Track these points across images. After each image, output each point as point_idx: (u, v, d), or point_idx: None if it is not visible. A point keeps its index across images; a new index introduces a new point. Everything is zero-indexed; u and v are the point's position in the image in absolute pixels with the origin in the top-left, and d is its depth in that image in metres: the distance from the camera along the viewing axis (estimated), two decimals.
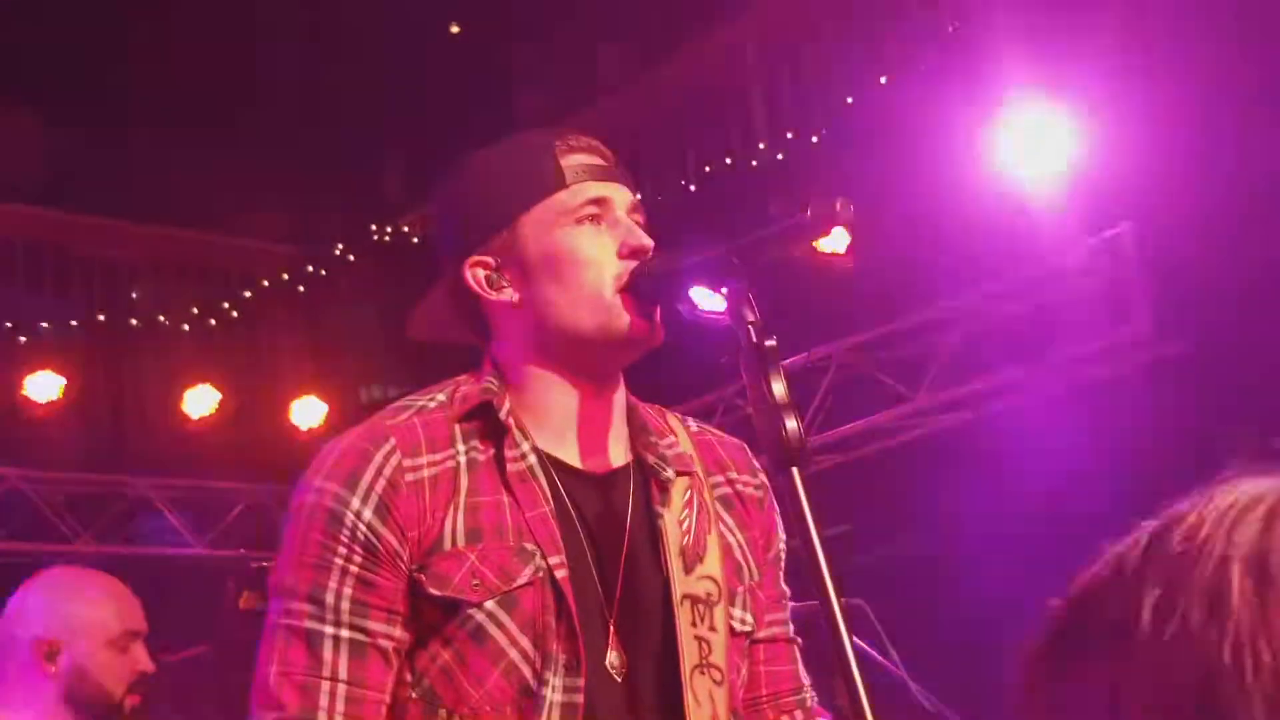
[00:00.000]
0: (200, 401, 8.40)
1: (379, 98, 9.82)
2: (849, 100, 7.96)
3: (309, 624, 1.88)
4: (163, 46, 9.50)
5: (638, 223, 2.02)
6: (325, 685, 1.86)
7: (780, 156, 8.25)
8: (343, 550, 1.88)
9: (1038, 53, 6.63)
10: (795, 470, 1.75)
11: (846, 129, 7.95)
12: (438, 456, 1.94)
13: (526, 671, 1.89)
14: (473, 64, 9.77)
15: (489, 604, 1.88)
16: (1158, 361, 6.31)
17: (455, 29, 11.35)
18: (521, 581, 1.90)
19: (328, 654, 1.87)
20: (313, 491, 1.92)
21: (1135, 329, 6.31)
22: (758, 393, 1.79)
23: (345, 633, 1.88)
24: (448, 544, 1.90)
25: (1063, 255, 6.53)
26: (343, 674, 1.87)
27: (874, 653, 4.58)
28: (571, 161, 2.01)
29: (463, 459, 1.95)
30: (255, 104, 9.64)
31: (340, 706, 1.87)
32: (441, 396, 2.01)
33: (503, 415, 1.97)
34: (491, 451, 1.97)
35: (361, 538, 1.88)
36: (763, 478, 2.18)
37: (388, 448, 1.92)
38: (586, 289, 1.96)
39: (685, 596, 1.99)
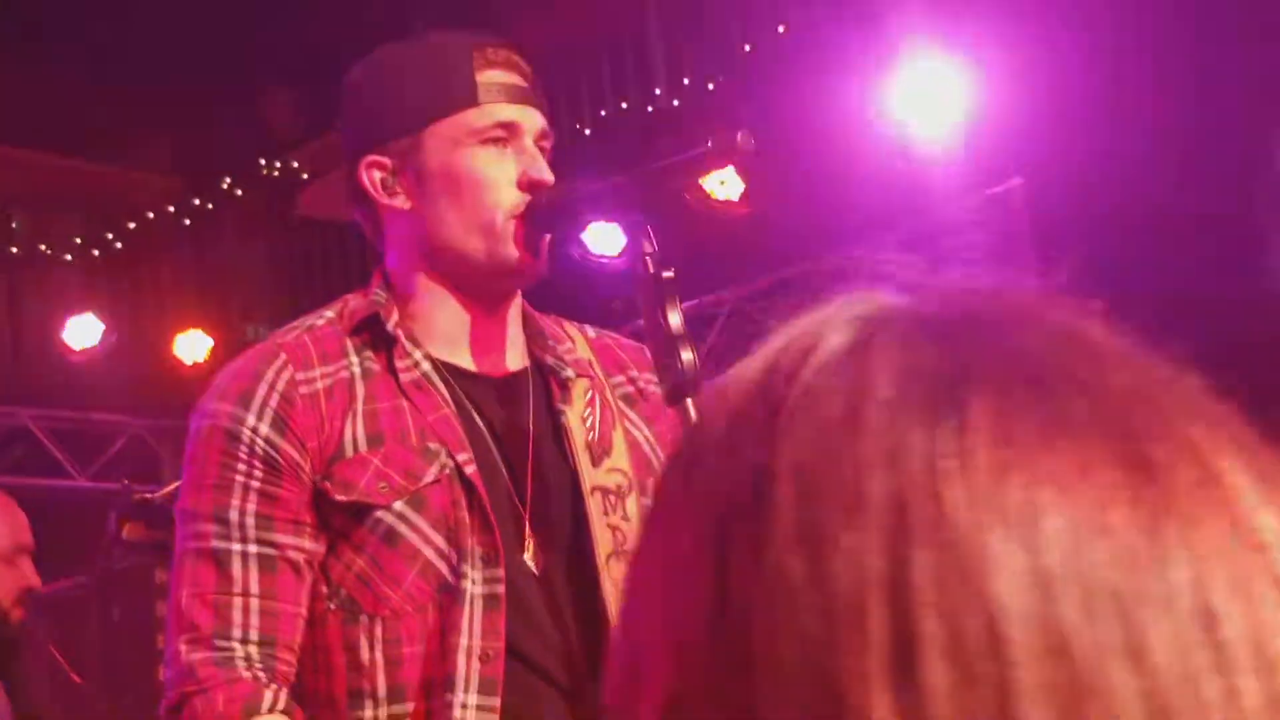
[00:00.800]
0: (83, 332, 8.25)
1: (270, 29, 9.67)
2: (746, 48, 7.98)
3: (216, 544, 1.88)
4: None
5: (544, 149, 2.02)
6: (238, 601, 1.87)
7: (676, 103, 8.26)
8: (242, 467, 1.89)
9: (934, 4, 6.69)
10: (690, 401, 1.77)
11: (743, 77, 7.97)
12: (330, 368, 1.95)
13: (443, 567, 1.90)
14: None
15: (397, 505, 1.89)
16: None
17: None
18: (428, 480, 1.92)
19: (237, 571, 1.88)
20: (208, 415, 1.92)
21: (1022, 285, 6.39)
22: (653, 323, 1.82)
23: (253, 548, 1.89)
24: (349, 451, 1.91)
25: (953, 208, 6.61)
26: (254, 589, 1.88)
27: None
28: (488, 78, 1.99)
29: (356, 369, 1.97)
30: (144, 28, 9.45)
31: (255, 621, 1.88)
32: (330, 313, 2.03)
33: (390, 326, 1.98)
34: (384, 362, 1.98)
35: (260, 452, 1.89)
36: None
37: (279, 363, 1.93)
38: (479, 212, 1.96)
39: (595, 488, 2.01)
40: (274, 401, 1.91)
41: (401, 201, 2.00)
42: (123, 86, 9.00)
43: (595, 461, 2.03)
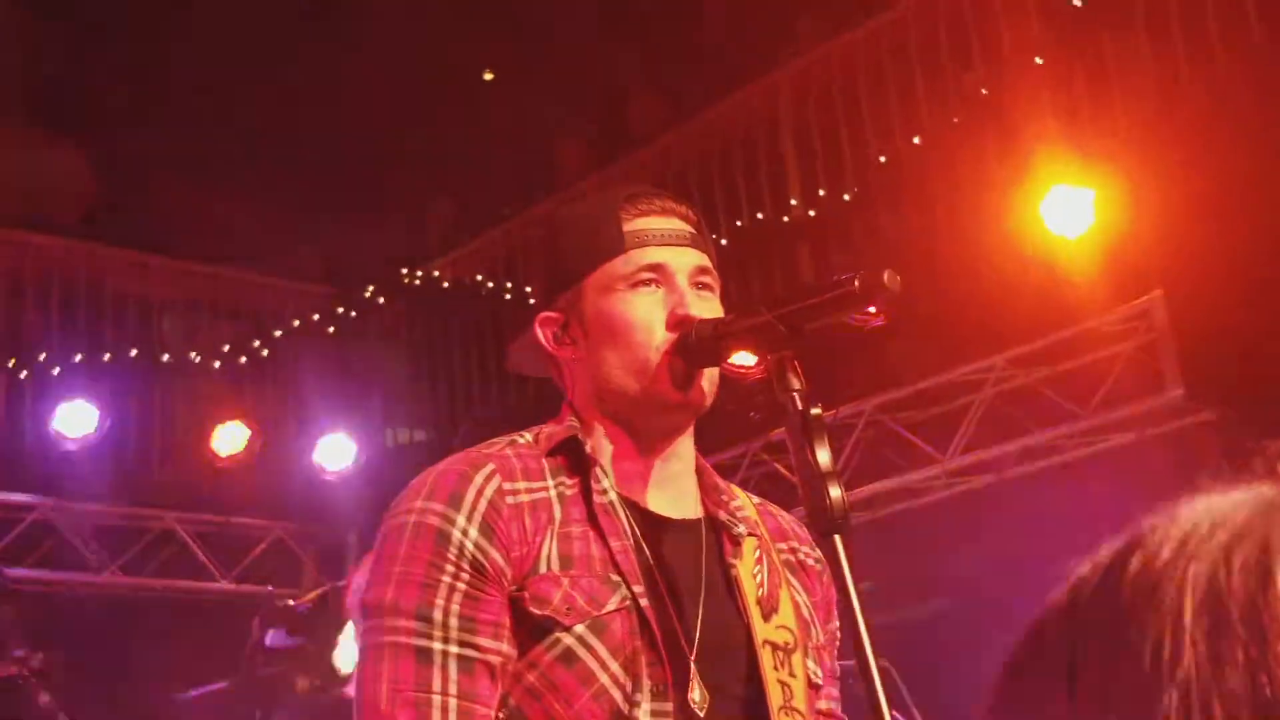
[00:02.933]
0: (229, 438, 8.44)
1: (418, 144, 9.92)
2: (881, 159, 8.01)
3: (417, 640, 1.88)
4: (203, 86, 9.62)
5: (705, 285, 2.08)
6: (437, 700, 1.87)
7: (812, 213, 8.29)
8: (450, 568, 1.90)
9: (1070, 118, 6.68)
10: (838, 538, 1.80)
11: (878, 187, 7.99)
12: (534, 485, 2.01)
13: (617, 695, 1.92)
14: (511, 113, 9.85)
15: (578, 628, 1.91)
16: (1187, 429, 6.32)
17: (489, 76, 11.46)
18: (610, 608, 1.95)
19: (438, 670, 1.88)
20: (414, 512, 1.94)
21: (1165, 395, 6.31)
22: (803, 460, 1.85)
23: (454, 648, 1.89)
24: (543, 568, 1.94)
25: (1094, 322, 6.54)
26: (454, 689, 1.88)
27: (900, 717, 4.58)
28: (636, 226, 2.07)
29: (553, 492, 2.01)
30: (293, 144, 9.74)
31: None
32: (528, 436, 2.08)
33: (587, 448, 2.05)
34: (578, 486, 2.03)
35: (469, 555, 1.91)
36: (817, 552, 2.23)
37: (487, 471, 1.98)
38: (633, 352, 2.03)
39: (766, 642, 2.04)
40: (483, 507, 1.94)
41: (572, 351, 2.10)
42: (272, 199, 9.27)
43: (765, 616, 2.06)
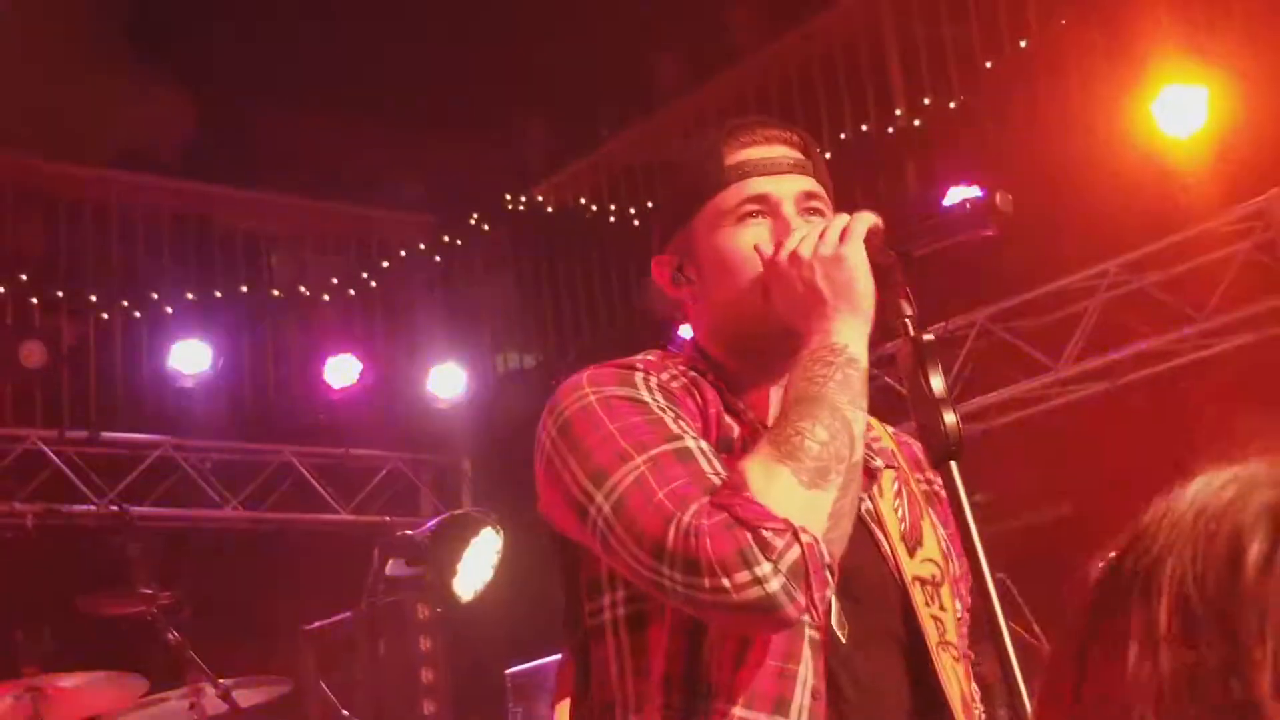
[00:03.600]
0: (342, 371, 8.54)
1: (512, 66, 9.89)
2: (988, 65, 7.86)
3: (667, 446, 1.85)
4: (300, 18, 9.65)
5: (815, 209, 2.05)
6: (713, 477, 1.84)
7: (917, 123, 8.17)
8: (666, 414, 1.91)
9: (1182, 16, 6.51)
10: (954, 464, 1.80)
11: (985, 94, 7.86)
12: (677, 372, 2.02)
13: None
14: (605, 29, 9.78)
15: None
16: None
17: None
18: None
19: (700, 458, 1.85)
20: (587, 396, 1.93)
21: None
22: (916, 386, 1.84)
23: (704, 444, 1.89)
24: (734, 447, 1.96)
25: (1209, 222, 6.40)
26: (719, 469, 1.86)
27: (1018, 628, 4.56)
28: (739, 158, 2.04)
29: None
30: (390, 75, 9.76)
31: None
32: (653, 356, 2.07)
33: (710, 379, 2.04)
34: (717, 409, 2.02)
35: (669, 410, 1.92)
36: None
37: (641, 370, 1.98)
38: (746, 289, 2.00)
39: (915, 579, 2.02)
40: (653, 384, 1.96)
41: (690, 291, 2.09)
42: (373, 130, 9.31)
43: (910, 552, 2.05)
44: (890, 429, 2.23)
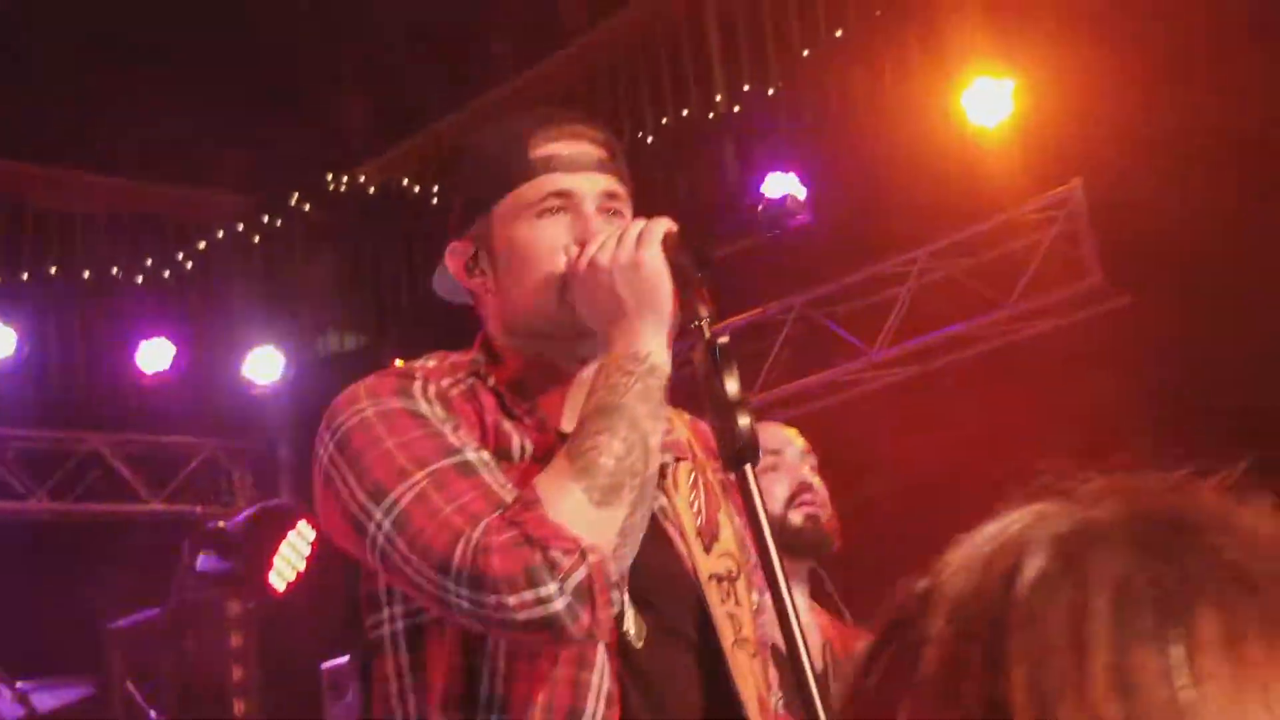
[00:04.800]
0: (154, 355, 8.33)
1: (336, 43, 9.75)
2: (805, 53, 7.94)
3: (448, 461, 1.86)
4: None
5: (615, 210, 2.05)
6: (496, 490, 1.86)
7: (737, 109, 8.22)
8: (445, 427, 1.91)
9: (992, 11, 6.64)
10: (748, 467, 1.82)
11: (803, 82, 7.93)
12: (459, 378, 2.02)
13: None
14: (433, 8, 9.68)
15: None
16: (1107, 315, 6.37)
17: None
18: None
19: (483, 471, 1.88)
20: (366, 409, 1.92)
21: (1086, 283, 6.37)
22: (711, 389, 1.85)
23: (485, 454, 1.90)
24: (515, 457, 1.97)
25: (1014, 211, 6.57)
26: (503, 480, 1.88)
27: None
28: (543, 151, 2.03)
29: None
30: (207, 51, 9.55)
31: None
32: (432, 361, 2.07)
33: (490, 384, 2.03)
34: (496, 413, 2.01)
35: (448, 423, 1.91)
36: None
37: (420, 377, 1.98)
38: (537, 282, 2.00)
39: (711, 576, 2.03)
40: (432, 392, 1.95)
41: (482, 281, 2.08)
42: (190, 108, 9.09)
43: (706, 548, 2.06)
44: (688, 417, 2.24)
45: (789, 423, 7.04)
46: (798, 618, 1.82)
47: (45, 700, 5.01)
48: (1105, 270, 6.29)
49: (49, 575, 7.49)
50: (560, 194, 2.01)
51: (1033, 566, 0.60)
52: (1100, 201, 6.30)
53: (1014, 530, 0.64)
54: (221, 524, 5.55)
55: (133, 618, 6.14)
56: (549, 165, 2.02)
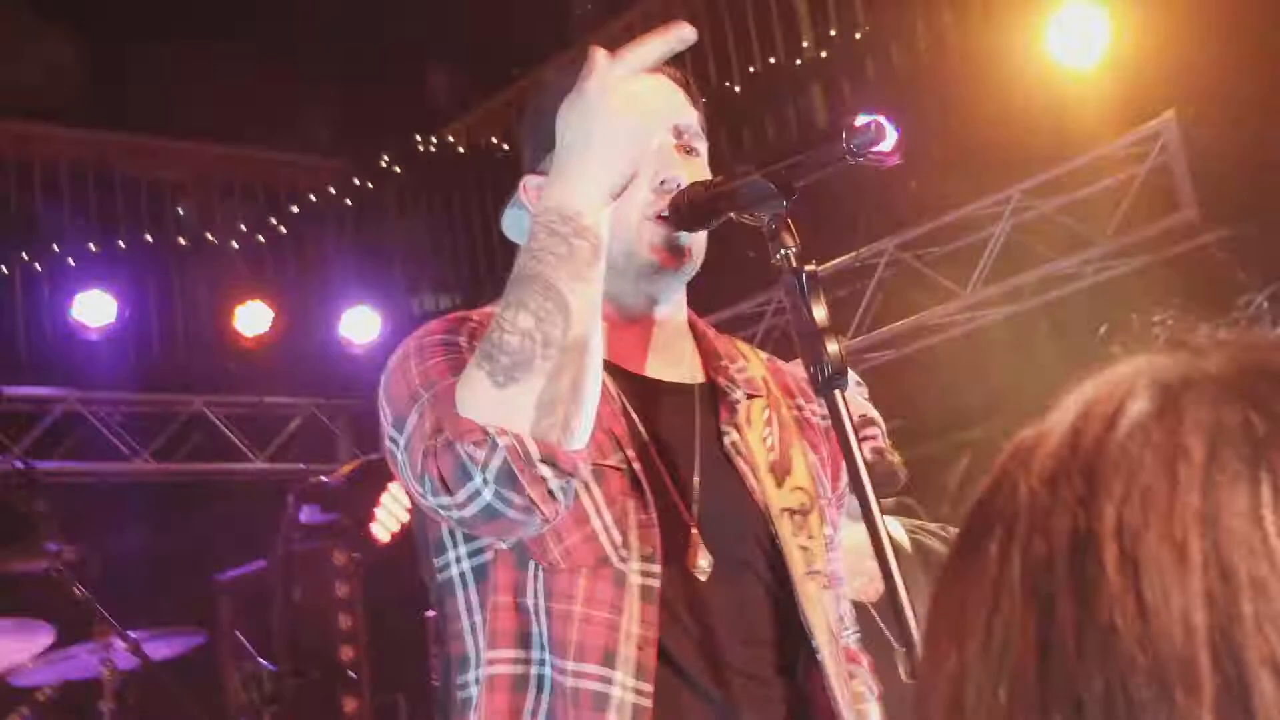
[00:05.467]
0: (253, 319, 8.45)
1: (421, 5, 9.78)
2: None
3: (453, 379, 1.84)
4: None
5: (691, 147, 2.04)
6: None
7: (824, 54, 8.17)
8: (465, 350, 1.90)
9: None
10: (838, 393, 1.80)
11: (890, 23, 7.86)
12: None
13: (606, 545, 1.92)
14: None
15: (582, 468, 1.85)
16: (1203, 248, 6.28)
17: None
18: (610, 461, 1.95)
19: None
20: (414, 342, 1.94)
21: (1181, 217, 6.27)
22: (799, 317, 1.83)
23: None
24: None
25: (1106, 147, 6.47)
26: None
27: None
28: (625, 88, 1.98)
29: None
30: (295, 16, 9.62)
31: None
32: (496, 307, 2.04)
33: None
34: None
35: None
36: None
37: (474, 320, 1.97)
38: (615, 216, 1.94)
39: (783, 509, 2.04)
40: (477, 331, 1.94)
41: None
42: (280, 73, 9.18)
43: (779, 481, 2.06)
44: (764, 355, 2.24)
45: (884, 367, 7.08)
46: (890, 539, 1.81)
47: (158, 649, 5.12)
48: (1200, 204, 6.18)
49: (158, 532, 7.63)
50: None
51: (1133, 410, 0.62)
52: (1193, 135, 6.19)
53: (1119, 376, 0.65)
54: (324, 478, 5.62)
55: (240, 569, 6.25)
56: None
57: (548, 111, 2.01)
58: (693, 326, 2.15)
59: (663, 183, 1.98)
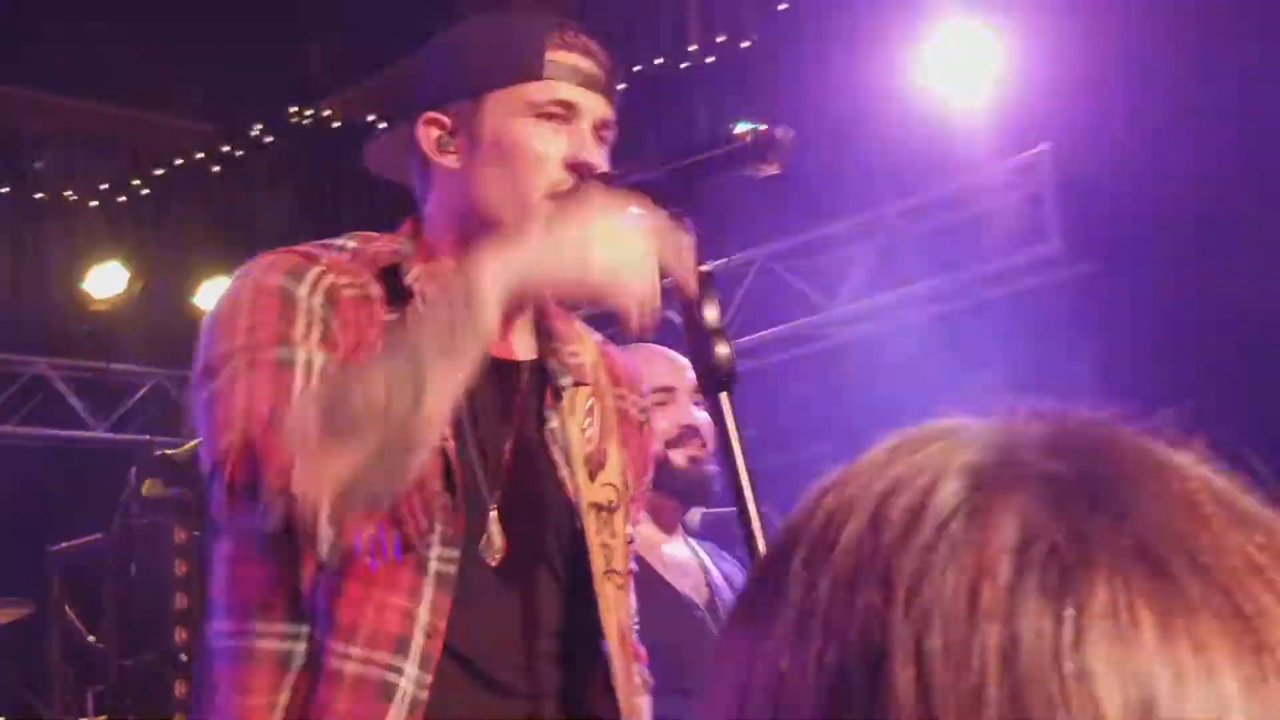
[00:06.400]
0: (106, 280, 8.24)
1: None
2: (781, 6, 7.89)
3: (277, 354, 1.82)
4: None
5: (604, 139, 2.02)
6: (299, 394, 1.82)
7: (710, 60, 8.17)
8: (302, 319, 1.86)
9: None
10: (725, 395, 1.80)
11: (777, 36, 7.89)
12: (360, 281, 1.95)
13: (411, 530, 1.88)
14: None
15: (363, 534, 1.83)
16: (1068, 280, 6.39)
17: None
18: None
19: (299, 375, 1.82)
20: (251, 280, 1.90)
21: (1048, 248, 6.38)
22: (690, 318, 1.83)
23: (319, 360, 1.84)
24: None
25: (981, 173, 6.56)
26: (316, 369, 1.83)
27: None
28: (559, 57, 1.99)
29: (377, 297, 1.96)
30: None
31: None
32: (352, 244, 2.01)
33: (408, 279, 1.97)
34: (397, 313, 1.96)
35: (317, 315, 1.87)
36: (645, 402, 2.23)
37: (321, 265, 1.92)
38: (519, 184, 1.96)
39: (591, 504, 2.02)
40: (325, 284, 1.89)
41: (451, 161, 2.01)
42: (155, 30, 8.96)
43: (591, 475, 2.04)
44: (598, 338, 2.21)
45: (747, 375, 7.10)
46: (763, 538, 1.83)
47: None
48: (1067, 238, 6.30)
49: None
50: (566, 104, 1.97)
51: (940, 503, 0.58)
52: (1068, 168, 6.30)
53: (932, 450, 0.61)
54: (170, 451, 5.48)
55: (74, 541, 6.09)
56: (562, 73, 1.98)
57: (474, 57, 2.02)
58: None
59: (576, 164, 1.96)
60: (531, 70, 1.98)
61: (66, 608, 5.75)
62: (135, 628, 5.67)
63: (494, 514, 1.94)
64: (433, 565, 1.88)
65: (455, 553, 1.90)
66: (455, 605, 1.89)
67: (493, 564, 1.94)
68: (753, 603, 0.62)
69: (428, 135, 2.02)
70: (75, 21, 8.64)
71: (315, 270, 1.90)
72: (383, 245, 2.01)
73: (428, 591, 1.87)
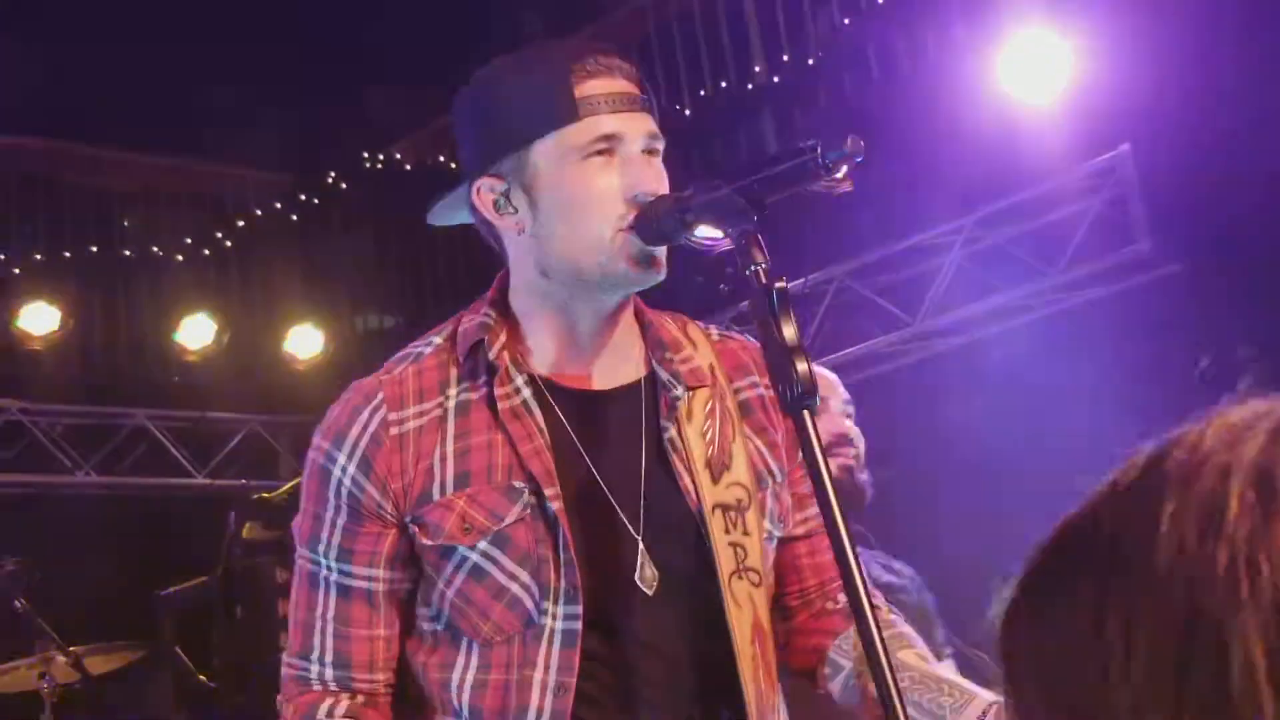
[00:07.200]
0: (196, 332, 8.37)
1: (371, 22, 9.74)
2: (845, 21, 7.90)
3: (310, 567, 2.07)
4: None
5: (655, 151, 2.00)
6: (318, 624, 2.05)
7: (776, 79, 8.19)
8: (331, 503, 2.01)
9: None
10: (806, 413, 1.76)
11: (843, 51, 7.89)
12: (426, 406, 2.00)
13: (528, 602, 1.95)
14: None
15: (481, 544, 1.96)
16: (1156, 282, 6.32)
17: None
18: (510, 520, 1.96)
19: (321, 593, 2.05)
20: (314, 448, 2.04)
21: (1134, 250, 6.31)
22: (768, 336, 1.79)
23: (334, 577, 2.03)
24: (436, 494, 1.97)
25: (1061, 178, 6.51)
26: (330, 613, 2.04)
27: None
28: (588, 90, 1.96)
29: (451, 404, 2.01)
30: (247, 30, 9.56)
31: (330, 643, 2.04)
32: (438, 339, 2.06)
33: (492, 354, 2.00)
34: (485, 390, 2.00)
35: (346, 493, 1.99)
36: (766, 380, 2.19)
37: (375, 402, 2.00)
38: (588, 228, 1.95)
39: (716, 505, 2.02)
40: (364, 442, 1.98)
41: (515, 220, 2.00)
42: (230, 87, 9.10)
43: (715, 477, 2.04)
44: (715, 334, 2.20)
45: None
46: (858, 560, 1.78)
47: (99, 664, 5.04)
48: (1154, 237, 6.23)
49: (100, 546, 7.55)
50: (609, 137, 1.95)
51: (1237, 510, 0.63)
52: (1149, 167, 6.24)
53: (1218, 454, 0.65)
54: (266, 494, 5.55)
55: (181, 586, 6.18)
56: (594, 106, 1.95)
57: (509, 112, 1.99)
58: (640, 315, 2.11)
59: (636, 195, 1.95)
60: (568, 113, 1.95)
61: (178, 649, 5.83)
62: (244, 666, 5.77)
63: (641, 546, 1.98)
64: (551, 626, 1.96)
65: (577, 609, 1.95)
66: (594, 656, 1.97)
67: (649, 593, 1.99)
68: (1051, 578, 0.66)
69: (484, 202, 2.01)
70: (150, 79, 8.80)
71: (365, 413, 1.99)
72: (468, 322, 2.05)
73: (543, 654, 1.95)
